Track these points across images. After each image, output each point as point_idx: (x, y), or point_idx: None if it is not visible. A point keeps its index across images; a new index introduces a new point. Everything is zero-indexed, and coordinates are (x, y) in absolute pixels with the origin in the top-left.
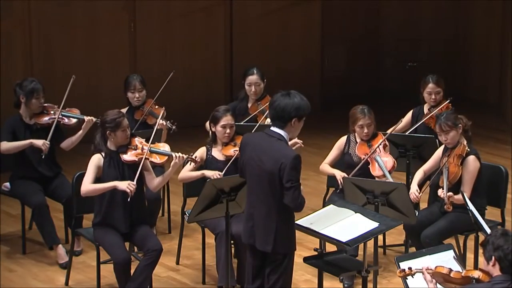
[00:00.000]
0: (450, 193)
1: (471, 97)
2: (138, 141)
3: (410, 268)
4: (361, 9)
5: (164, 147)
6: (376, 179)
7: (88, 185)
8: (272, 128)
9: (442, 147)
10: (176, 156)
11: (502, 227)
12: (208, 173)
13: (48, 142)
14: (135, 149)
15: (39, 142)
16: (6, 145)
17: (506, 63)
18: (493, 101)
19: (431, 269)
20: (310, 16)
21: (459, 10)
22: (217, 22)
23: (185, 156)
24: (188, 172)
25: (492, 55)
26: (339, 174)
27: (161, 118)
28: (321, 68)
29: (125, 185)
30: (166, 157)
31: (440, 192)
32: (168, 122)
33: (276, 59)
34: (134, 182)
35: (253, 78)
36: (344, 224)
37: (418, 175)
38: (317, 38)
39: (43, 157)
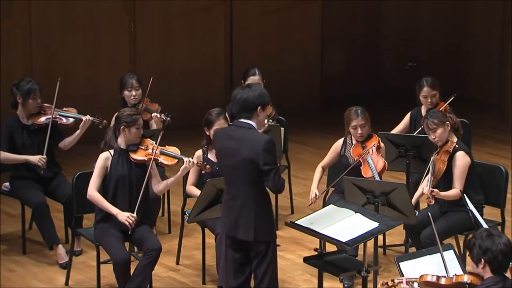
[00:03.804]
0: (435, 190)
1: (471, 97)
2: (148, 141)
3: (393, 280)
4: (361, 9)
5: (175, 151)
6: None
7: (95, 193)
8: (241, 120)
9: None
10: (187, 161)
11: (502, 227)
12: None
13: (45, 157)
14: (146, 149)
15: (34, 159)
16: (5, 156)
17: (506, 63)
18: (493, 101)
19: (414, 278)
20: (310, 16)
21: (459, 10)
22: (217, 22)
23: (195, 162)
24: (194, 188)
25: (492, 55)
26: (312, 190)
27: (155, 113)
28: (321, 68)
29: (125, 217)
30: (176, 160)
31: (424, 187)
32: (163, 114)
33: (276, 59)
34: (135, 215)
35: (255, 78)
36: (344, 224)
37: (419, 192)
38: (317, 38)
39: (41, 172)
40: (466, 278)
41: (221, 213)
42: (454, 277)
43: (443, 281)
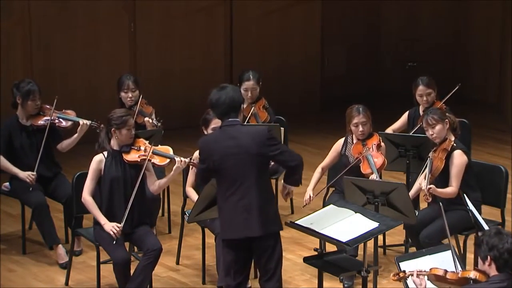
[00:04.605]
0: (431, 185)
1: (471, 97)
2: (142, 142)
3: (404, 272)
4: (361, 9)
5: (168, 150)
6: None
7: (88, 198)
8: (230, 119)
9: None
10: (178, 160)
11: (502, 227)
12: None
13: (34, 173)
14: (138, 150)
15: (23, 175)
16: (2, 161)
17: (506, 63)
18: (493, 101)
19: (425, 271)
20: (310, 16)
21: (459, 10)
22: (217, 22)
23: (187, 161)
24: (192, 191)
25: (492, 55)
26: (307, 191)
27: (149, 117)
28: (321, 68)
29: (110, 227)
30: (169, 160)
31: (422, 184)
32: (154, 119)
33: (276, 59)
34: (121, 225)
35: (249, 83)
36: (344, 224)
37: (416, 187)
38: (317, 38)
39: (30, 189)
40: (472, 274)
41: (224, 218)
42: (461, 272)
43: (449, 275)
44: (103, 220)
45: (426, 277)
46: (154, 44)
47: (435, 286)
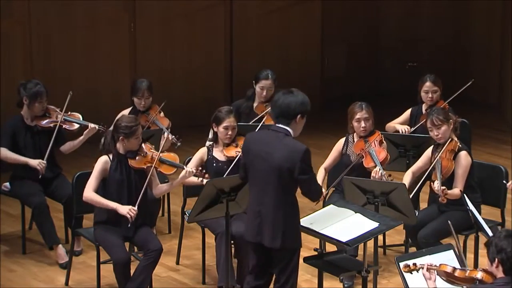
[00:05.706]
0: (444, 187)
1: (471, 97)
2: (148, 148)
3: (415, 264)
4: (361, 9)
5: (175, 158)
6: (372, 176)
7: (91, 194)
8: (278, 125)
9: (431, 148)
10: (186, 170)
11: (502, 227)
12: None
13: (44, 162)
14: (145, 156)
15: (34, 163)
16: (5, 153)
17: (506, 63)
18: (493, 101)
19: (435, 266)
20: (310, 16)
21: (459, 10)
22: (217, 22)
23: (194, 171)
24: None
25: (492, 55)
26: None
27: (166, 131)
28: (321, 68)
29: (126, 210)
30: (175, 169)
31: (435, 186)
32: (173, 137)
33: (276, 59)
34: (136, 208)
35: (267, 82)
36: (344, 224)
37: (407, 177)
38: (317, 38)
39: (40, 177)
40: (479, 275)
41: (247, 216)
42: (468, 271)
43: (457, 273)
44: (114, 204)
45: (435, 272)
46: (154, 44)
47: (443, 281)
